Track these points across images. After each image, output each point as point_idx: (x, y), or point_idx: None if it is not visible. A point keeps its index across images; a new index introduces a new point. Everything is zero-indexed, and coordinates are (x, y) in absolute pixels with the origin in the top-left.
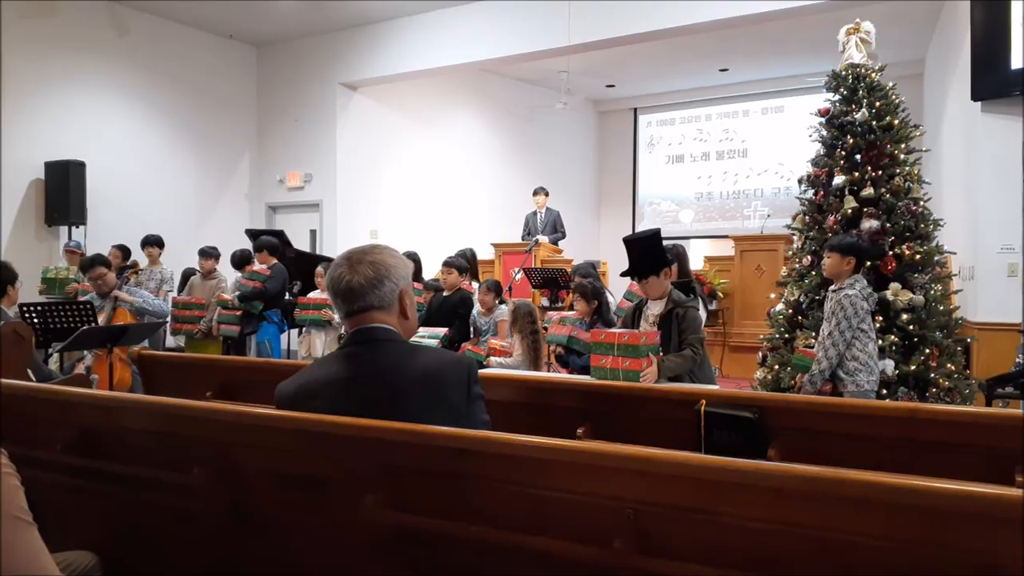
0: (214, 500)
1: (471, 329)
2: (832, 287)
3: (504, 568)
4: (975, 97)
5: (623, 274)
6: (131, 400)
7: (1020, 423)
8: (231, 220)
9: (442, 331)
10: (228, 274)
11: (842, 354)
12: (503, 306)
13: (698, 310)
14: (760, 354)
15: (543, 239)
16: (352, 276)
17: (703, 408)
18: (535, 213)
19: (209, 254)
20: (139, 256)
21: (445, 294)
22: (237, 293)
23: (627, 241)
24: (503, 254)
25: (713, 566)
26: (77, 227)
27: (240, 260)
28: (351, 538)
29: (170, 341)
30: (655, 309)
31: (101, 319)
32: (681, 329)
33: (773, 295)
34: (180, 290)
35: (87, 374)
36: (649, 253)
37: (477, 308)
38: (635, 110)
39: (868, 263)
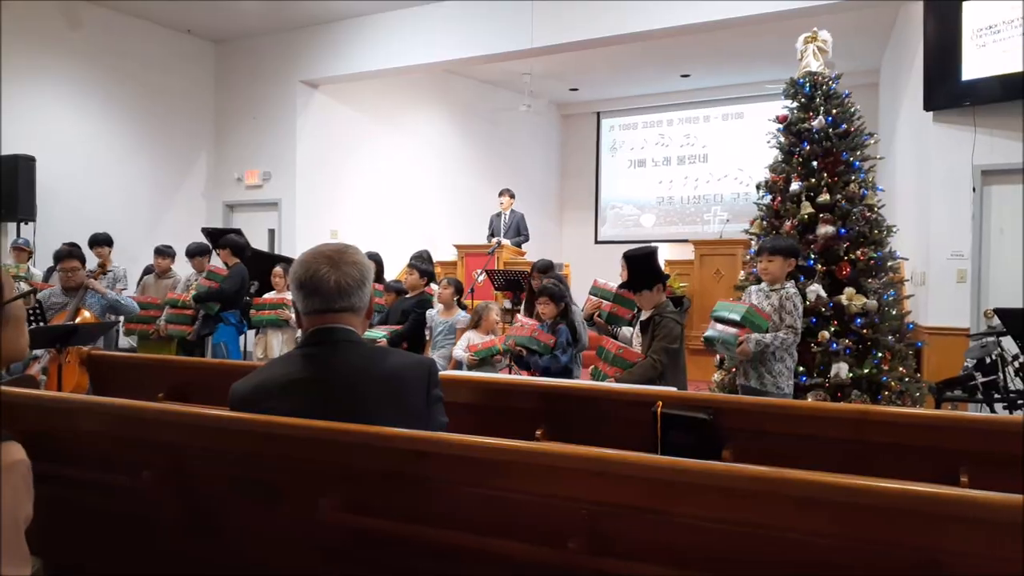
0: (165, 504)
1: (426, 332)
2: (769, 287)
3: (461, 570)
4: (927, 107)
5: (621, 286)
6: (78, 401)
7: (966, 425)
8: (187, 218)
9: (392, 328)
10: (183, 265)
11: (796, 343)
12: (463, 312)
13: (676, 320)
14: (718, 357)
15: (506, 242)
16: (339, 275)
17: (659, 409)
18: (499, 215)
19: (165, 253)
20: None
21: (407, 296)
22: (193, 293)
23: (626, 256)
24: (466, 256)
25: (667, 566)
26: (26, 223)
27: (196, 251)
28: (307, 541)
29: (123, 342)
30: (643, 317)
31: (63, 317)
32: (653, 336)
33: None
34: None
35: (42, 375)
36: (643, 269)
37: (435, 309)
38: (598, 114)
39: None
